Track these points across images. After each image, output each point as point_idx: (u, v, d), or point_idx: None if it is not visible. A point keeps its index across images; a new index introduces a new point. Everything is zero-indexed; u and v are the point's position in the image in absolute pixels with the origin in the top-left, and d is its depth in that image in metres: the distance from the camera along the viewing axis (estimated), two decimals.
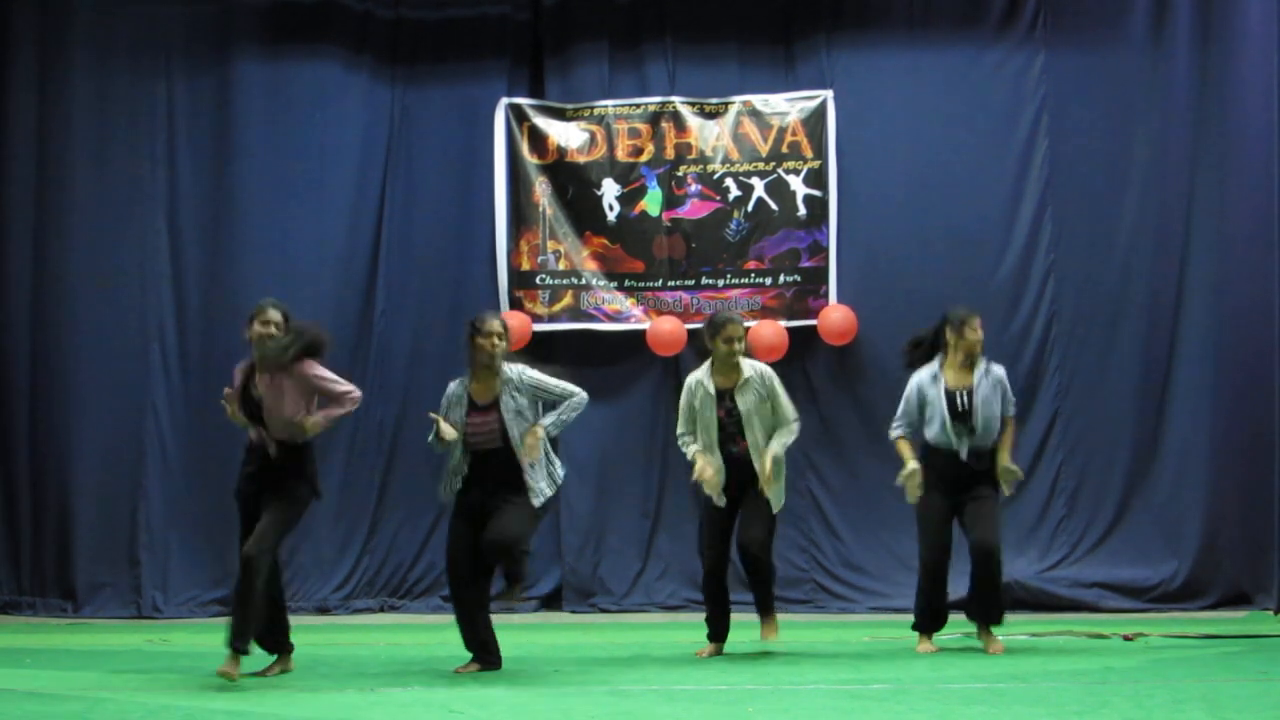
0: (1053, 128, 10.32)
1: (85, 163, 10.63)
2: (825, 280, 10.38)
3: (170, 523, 10.37)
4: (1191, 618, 9.34)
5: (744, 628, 8.94)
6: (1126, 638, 8.23)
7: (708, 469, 7.51)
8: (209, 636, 7.92)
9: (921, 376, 7.76)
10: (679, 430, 7.73)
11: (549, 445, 7.12)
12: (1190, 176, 10.15)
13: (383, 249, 10.73)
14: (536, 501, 6.97)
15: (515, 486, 6.94)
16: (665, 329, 10.37)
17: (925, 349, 7.86)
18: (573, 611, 10.40)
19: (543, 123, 10.65)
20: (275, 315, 7.00)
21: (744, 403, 7.51)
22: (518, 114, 10.65)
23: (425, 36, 10.85)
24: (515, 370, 7.04)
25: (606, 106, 10.62)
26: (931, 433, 7.69)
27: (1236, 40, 10.04)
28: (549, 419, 7.04)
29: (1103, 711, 5.69)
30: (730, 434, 7.54)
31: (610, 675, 6.98)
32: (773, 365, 10.34)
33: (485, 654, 7.06)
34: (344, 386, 7.03)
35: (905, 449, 7.78)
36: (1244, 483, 9.89)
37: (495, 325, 7.02)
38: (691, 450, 7.62)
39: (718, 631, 7.80)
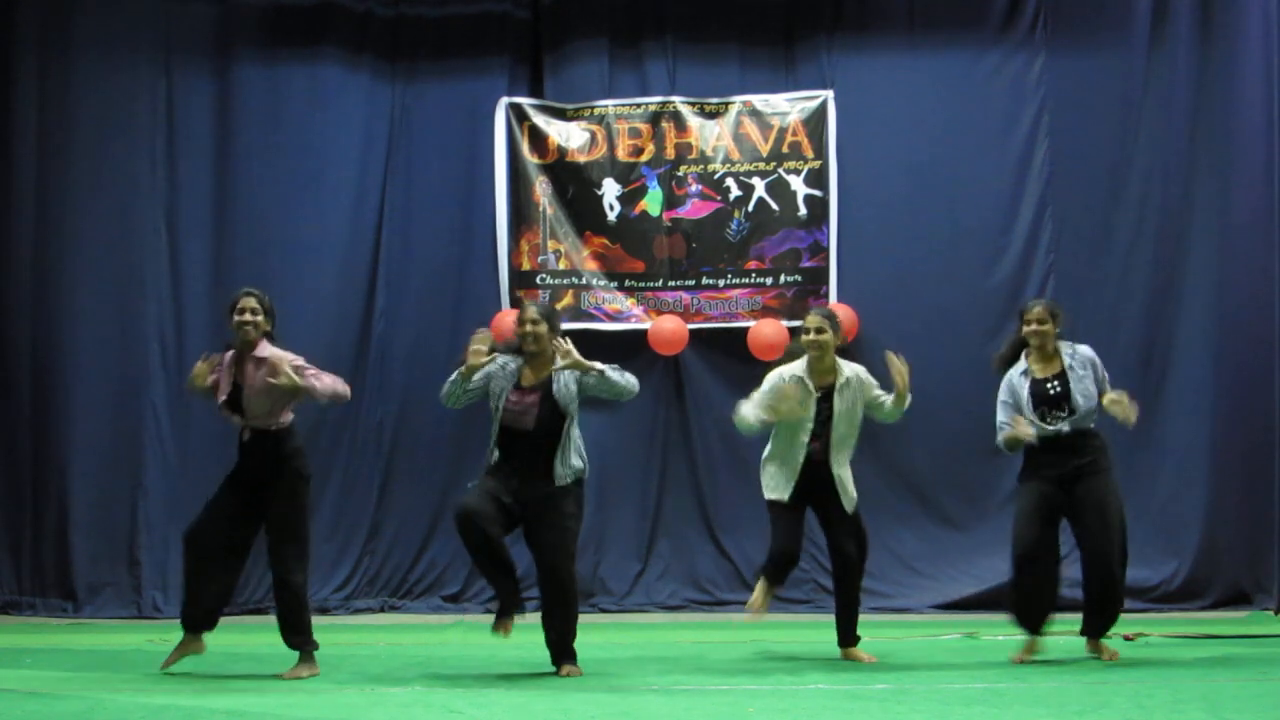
0: (1053, 128, 10.33)
1: (85, 163, 10.63)
2: (826, 280, 10.38)
3: (170, 522, 10.35)
4: (1191, 618, 9.34)
5: (744, 628, 8.95)
6: (1127, 638, 8.22)
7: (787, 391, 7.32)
8: (209, 636, 7.91)
9: (1010, 373, 7.55)
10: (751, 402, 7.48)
11: (579, 440, 7.06)
12: (1190, 176, 10.16)
13: (383, 248, 10.73)
14: (560, 483, 6.93)
15: (544, 475, 6.91)
16: (667, 328, 10.37)
17: (1008, 353, 7.68)
18: None
19: (543, 122, 10.66)
20: (252, 303, 7.13)
21: (840, 403, 7.41)
22: (518, 113, 10.65)
23: (425, 35, 10.85)
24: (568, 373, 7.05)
25: (607, 106, 10.63)
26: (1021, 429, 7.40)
27: (1236, 41, 10.05)
28: (613, 374, 7.07)
29: (1103, 711, 5.69)
30: (813, 434, 7.39)
31: (610, 675, 6.97)
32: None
33: (513, 591, 7.05)
34: (324, 385, 7.10)
35: (1014, 429, 7.41)
36: (1244, 483, 9.90)
37: (530, 313, 7.04)
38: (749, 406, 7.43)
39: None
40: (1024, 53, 10.38)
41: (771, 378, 7.54)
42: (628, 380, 7.13)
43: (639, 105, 10.63)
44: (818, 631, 8.79)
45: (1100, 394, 7.48)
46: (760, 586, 7.41)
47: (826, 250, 10.40)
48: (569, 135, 10.64)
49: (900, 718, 5.64)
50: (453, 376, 7.01)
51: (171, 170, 10.66)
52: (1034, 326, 7.50)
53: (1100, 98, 10.31)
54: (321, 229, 10.65)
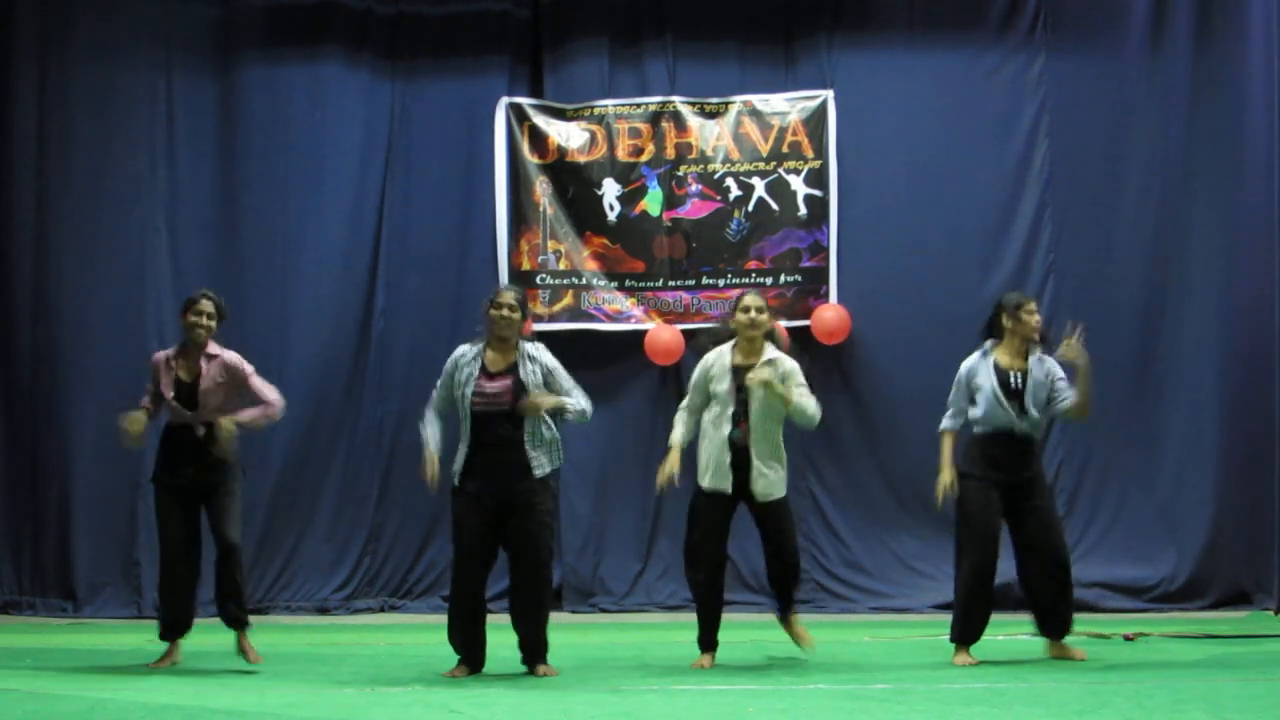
0: (1053, 128, 10.33)
1: (85, 162, 10.63)
2: (826, 280, 10.37)
3: None
4: (1191, 618, 9.35)
5: (743, 628, 8.94)
6: (1127, 638, 8.23)
7: (665, 470, 7.33)
8: (209, 636, 7.92)
9: (970, 360, 7.53)
10: (682, 405, 7.51)
11: (555, 430, 7.04)
12: (1190, 176, 10.16)
13: (383, 248, 10.73)
14: (538, 473, 6.89)
15: (520, 465, 6.86)
16: (663, 338, 10.36)
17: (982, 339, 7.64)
18: (573, 611, 10.40)
19: (543, 122, 10.65)
20: (208, 306, 7.50)
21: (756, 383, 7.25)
22: (518, 113, 10.65)
23: (425, 35, 10.85)
24: (534, 347, 7.04)
25: (607, 106, 10.63)
26: (981, 413, 7.40)
27: (1236, 41, 10.05)
28: (565, 400, 6.98)
29: (1103, 711, 5.69)
30: (736, 416, 7.26)
31: (610, 675, 6.97)
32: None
33: (479, 655, 6.98)
34: (272, 394, 7.52)
35: (947, 447, 7.50)
36: (1244, 482, 9.91)
37: (508, 297, 7.02)
38: (676, 434, 7.41)
39: (713, 639, 7.45)
40: (1024, 53, 10.38)
41: (706, 357, 7.47)
42: (585, 409, 7.05)
43: (639, 105, 10.63)
44: (818, 631, 8.79)
45: (1051, 401, 7.45)
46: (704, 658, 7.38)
47: (826, 250, 10.40)
48: (569, 135, 10.64)
49: (900, 718, 5.64)
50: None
51: (172, 170, 10.66)
52: (1036, 319, 7.44)
53: (1100, 98, 10.31)
54: (321, 228, 10.65)
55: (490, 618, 7.03)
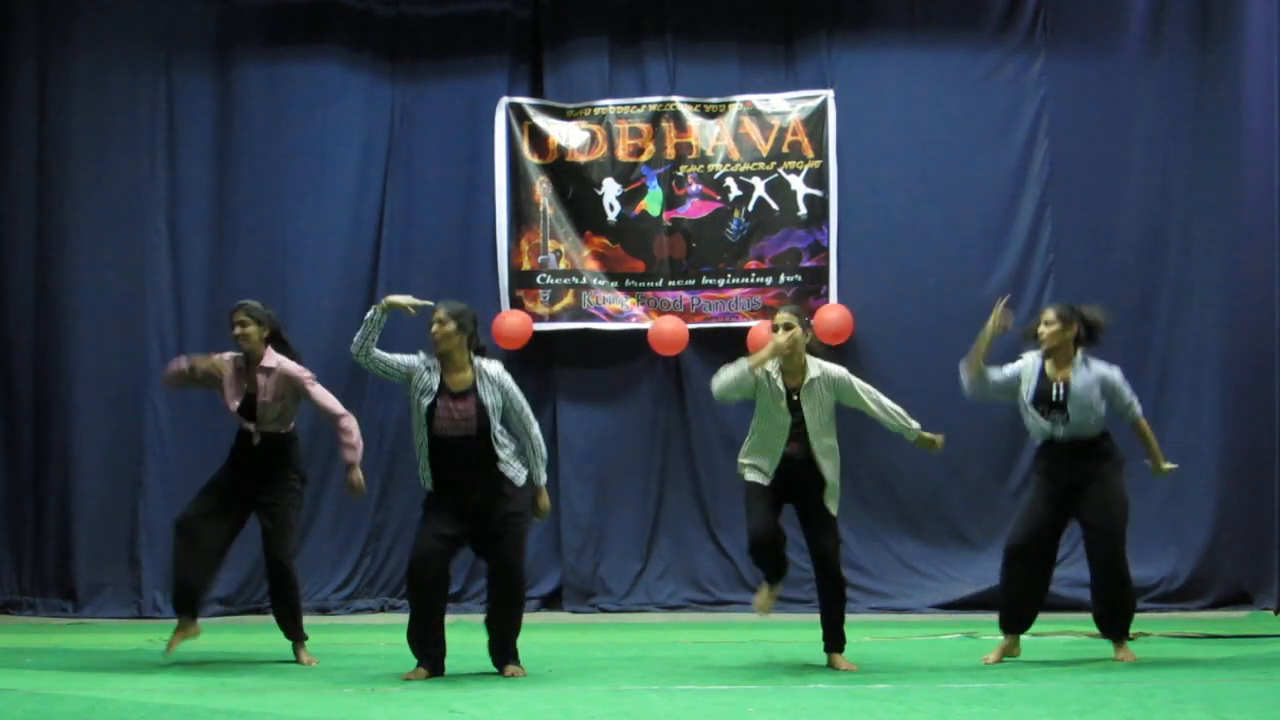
0: (1053, 128, 10.33)
1: (85, 163, 10.63)
2: (826, 280, 10.38)
3: (170, 523, 10.35)
4: (1191, 618, 9.34)
5: (744, 628, 8.95)
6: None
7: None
8: (209, 636, 7.93)
9: (1028, 359, 7.44)
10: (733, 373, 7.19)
11: (535, 439, 7.04)
12: (1190, 177, 10.16)
13: (383, 248, 10.73)
14: (519, 481, 6.88)
15: (496, 478, 6.83)
16: (666, 329, 10.37)
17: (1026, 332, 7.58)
18: (573, 611, 10.40)
19: (543, 122, 10.65)
20: (241, 316, 7.59)
21: (808, 405, 7.12)
22: (518, 113, 10.65)
23: (425, 35, 10.85)
24: (493, 367, 6.97)
25: (607, 106, 10.63)
26: (1028, 422, 7.38)
27: (1236, 41, 10.05)
28: (540, 472, 6.99)
29: (1103, 711, 5.69)
30: (791, 435, 7.11)
31: (610, 675, 6.97)
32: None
33: (438, 658, 6.95)
34: (334, 405, 7.79)
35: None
36: (1244, 482, 9.90)
37: (439, 313, 6.95)
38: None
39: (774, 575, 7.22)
40: (1024, 53, 10.38)
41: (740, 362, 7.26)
42: (538, 448, 7.02)
43: (639, 105, 10.63)
44: (819, 631, 8.79)
45: (1116, 411, 7.40)
46: (763, 590, 7.21)
47: (826, 250, 10.40)
48: (569, 135, 10.64)
49: (900, 718, 5.64)
50: (370, 315, 7.01)
51: (172, 170, 10.66)
52: (1043, 330, 7.38)
53: (1100, 98, 10.30)
54: (322, 229, 10.65)
55: (459, 618, 7.06)
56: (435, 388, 6.86)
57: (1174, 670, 7.00)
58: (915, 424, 7.31)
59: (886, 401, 7.35)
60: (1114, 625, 7.32)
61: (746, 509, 7.12)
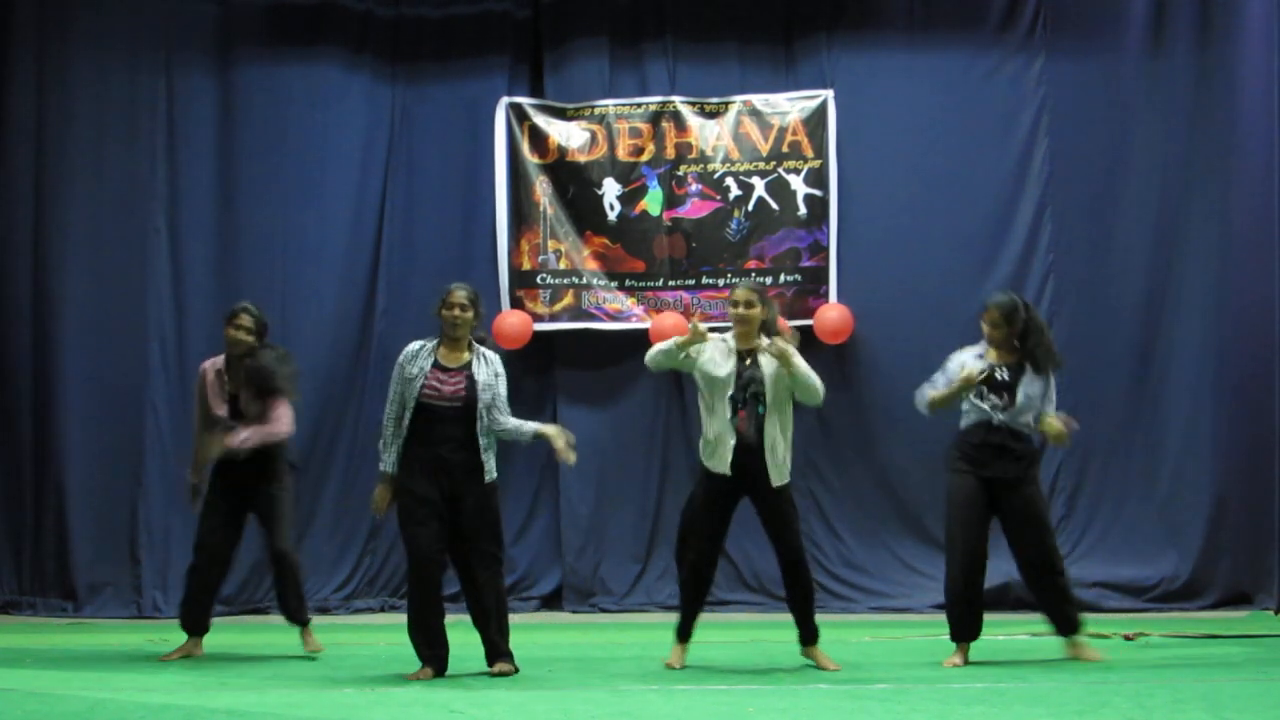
0: (1052, 128, 10.33)
1: (85, 162, 10.63)
2: (826, 280, 10.37)
3: (170, 523, 10.36)
4: (1191, 618, 9.35)
5: (744, 628, 8.95)
6: (1127, 637, 8.23)
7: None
8: (209, 636, 7.93)
9: (964, 352, 7.52)
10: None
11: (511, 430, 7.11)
12: (1190, 176, 10.16)
13: (383, 248, 10.73)
14: (489, 478, 6.94)
15: (472, 467, 6.89)
16: (668, 324, 10.36)
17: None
18: (573, 611, 10.40)
19: (543, 122, 10.65)
20: (247, 321, 7.91)
21: (767, 365, 7.11)
22: (518, 113, 10.65)
23: (425, 36, 10.84)
24: (490, 353, 7.07)
25: (607, 106, 10.62)
26: (965, 404, 7.42)
27: (1236, 41, 10.05)
28: (534, 429, 7.15)
29: (1103, 711, 5.69)
30: (737, 404, 7.11)
31: (610, 675, 6.98)
32: None
33: (444, 657, 6.96)
34: (282, 422, 7.81)
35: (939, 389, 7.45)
36: (1244, 482, 9.90)
37: (459, 296, 7.00)
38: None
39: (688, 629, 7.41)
40: (1024, 53, 10.38)
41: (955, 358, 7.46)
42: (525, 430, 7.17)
43: (639, 105, 10.63)
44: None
45: (1042, 407, 7.44)
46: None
47: (826, 250, 10.40)
48: (569, 135, 10.64)
49: (900, 718, 5.65)
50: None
51: (172, 170, 10.65)
52: (987, 330, 7.48)
53: (1100, 98, 10.30)
54: (322, 229, 10.65)
55: (459, 618, 7.06)
56: (428, 367, 6.91)
57: (1174, 670, 7.01)
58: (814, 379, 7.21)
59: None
60: (1066, 622, 7.40)
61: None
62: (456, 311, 6.98)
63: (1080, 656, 7.35)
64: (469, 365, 6.96)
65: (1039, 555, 7.40)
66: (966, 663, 7.34)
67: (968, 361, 7.45)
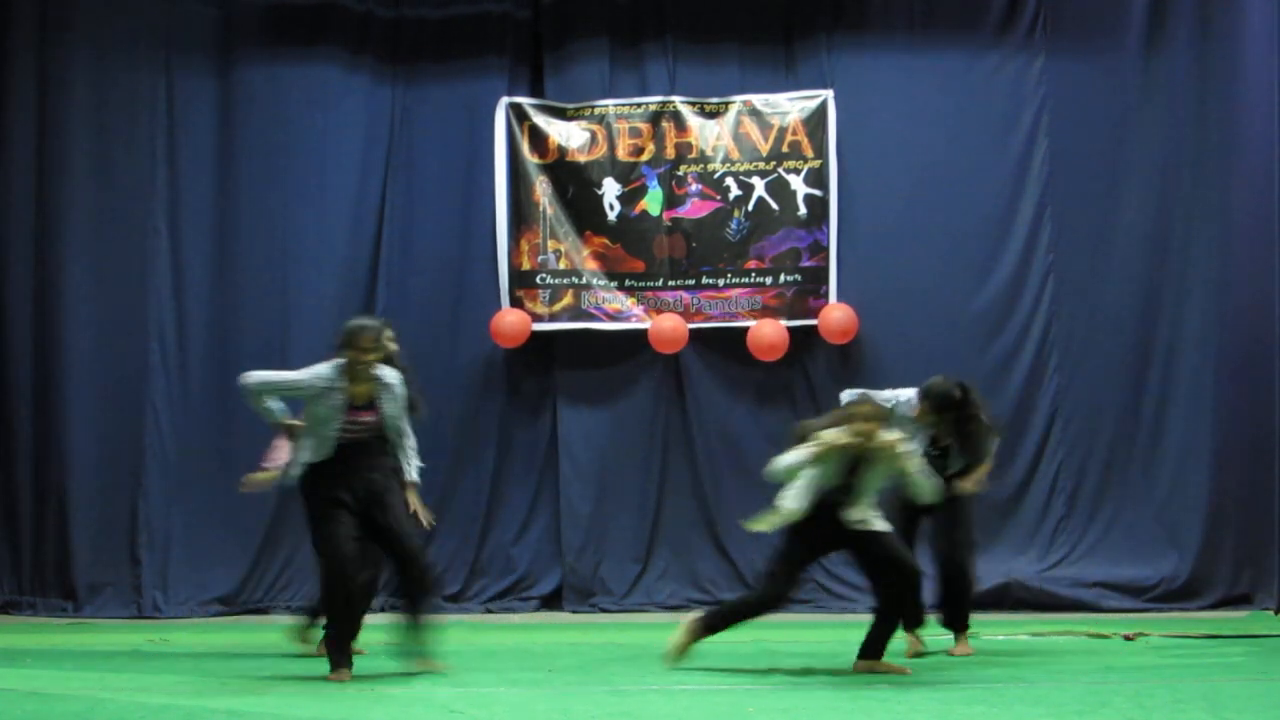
0: (1052, 128, 10.32)
1: (85, 163, 10.62)
2: (826, 280, 10.37)
3: (170, 523, 10.37)
4: (1191, 618, 9.35)
5: (743, 628, 8.93)
6: (1127, 638, 8.23)
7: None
8: (209, 636, 7.94)
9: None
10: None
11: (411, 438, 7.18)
12: (1190, 176, 10.16)
13: (383, 248, 10.72)
14: (406, 476, 7.04)
15: (388, 471, 7.00)
16: (666, 326, 10.37)
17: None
18: (573, 611, 10.40)
19: (543, 122, 10.65)
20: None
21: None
22: (518, 113, 10.65)
23: (425, 36, 10.84)
24: (394, 378, 7.07)
25: (607, 106, 10.62)
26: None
27: (1236, 40, 10.05)
28: (414, 472, 7.16)
29: (1103, 711, 5.69)
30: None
31: (610, 675, 6.97)
32: (774, 365, 10.43)
33: (350, 656, 6.98)
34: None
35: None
36: (1244, 482, 9.90)
37: (368, 340, 6.99)
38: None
39: None
40: (1024, 53, 10.38)
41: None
42: (413, 454, 7.21)
43: (639, 105, 10.62)
44: (819, 631, 8.80)
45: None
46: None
47: (826, 250, 10.40)
48: (569, 135, 10.64)
49: (900, 718, 5.65)
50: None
51: (172, 170, 10.65)
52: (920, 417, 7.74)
53: (1100, 98, 10.30)
54: (322, 229, 10.64)
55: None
56: (340, 404, 6.89)
57: (1174, 670, 7.01)
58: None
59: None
60: (954, 617, 7.70)
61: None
62: (369, 356, 6.96)
63: (911, 649, 7.63)
64: (376, 399, 7.02)
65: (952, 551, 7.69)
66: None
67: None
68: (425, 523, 7.19)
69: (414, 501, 7.12)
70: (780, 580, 7.10)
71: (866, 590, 10.17)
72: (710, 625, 7.09)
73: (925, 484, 7.12)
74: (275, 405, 7.12)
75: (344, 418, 6.86)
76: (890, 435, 7.00)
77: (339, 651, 6.84)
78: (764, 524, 7.08)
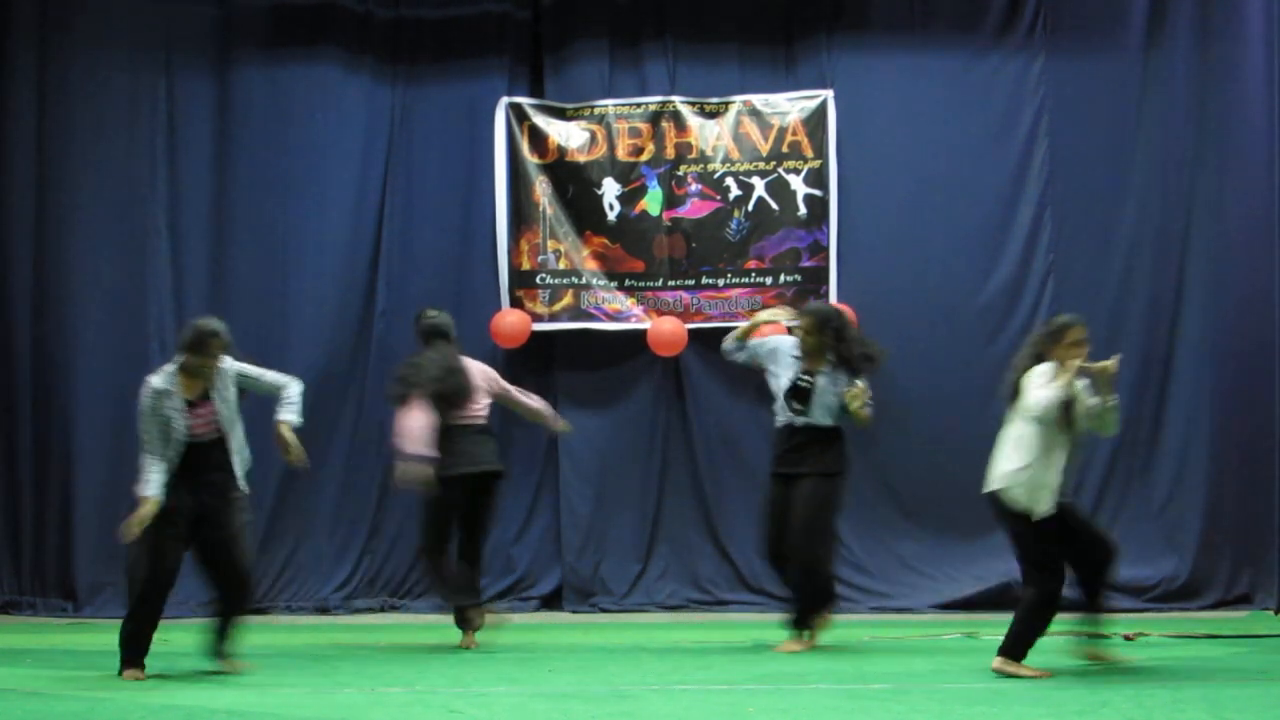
0: (1053, 128, 10.32)
1: (85, 163, 10.61)
2: (826, 280, 10.37)
3: None
4: (1191, 618, 9.35)
5: (743, 628, 8.95)
6: (1127, 637, 8.22)
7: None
8: (209, 636, 7.91)
9: (785, 342, 8.11)
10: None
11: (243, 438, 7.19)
12: (1190, 176, 10.16)
13: (383, 249, 10.72)
14: (245, 487, 7.11)
15: (226, 476, 7.05)
16: (666, 329, 10.37)
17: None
18: (573, 611, 10.40)
19: (543, 122, 10.65)
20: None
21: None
22: (518, 113, 10.65)
23: (425, 36, 10.84)
24: (225, 364, 7.11)
25: (607, 106, 10.62)
26: (775, 406, 8.03)
27: (1236, 40, 10.05)
28: (290, 414, 7.21)
29: (1103, 711, 5.70)
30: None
31: (610, 675, 6.98)
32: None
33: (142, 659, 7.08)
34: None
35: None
36: (1244, 482, 9.91)
37: (216, 346, 7.00)
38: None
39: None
40: (1024, 53, 10.37)
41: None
42: (297, 396, 7.28)
43: (639, 105, 10.62)
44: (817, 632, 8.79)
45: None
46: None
47: (826, 250, 10.40)
48: (569, 135, 10.64)
49: (900, 718, 5.65)
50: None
51: (172, 171, 10.64)
52: (803, 336, 8.03)
53: (1100, 98, 10.30)
54: (322, 230, 10.64)
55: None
56: (179, 404, 6.95)
57: (1174, 670, 7.01)
58: None
59: None
60: (801, 615, 7.83)
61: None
62: (214, 363, 6.99)
63: (784, 649, 7.79)
64: (208, 394, 7.04)
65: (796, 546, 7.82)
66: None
67: (785, 346, 8.10)
68: (298, 460, 7.30)
69: (288, 438, 7.20)
70: (1060, 568, 7.00)
71: (866, 590, 10.27)
72: (1020, 652, 6.88)
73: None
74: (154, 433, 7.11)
75: (185, 418, 6.95)
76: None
77: (134, 650, 6.98)
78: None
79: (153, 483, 6.85)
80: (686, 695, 6.33)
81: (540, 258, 10.62)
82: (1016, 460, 6.82)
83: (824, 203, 10.40)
